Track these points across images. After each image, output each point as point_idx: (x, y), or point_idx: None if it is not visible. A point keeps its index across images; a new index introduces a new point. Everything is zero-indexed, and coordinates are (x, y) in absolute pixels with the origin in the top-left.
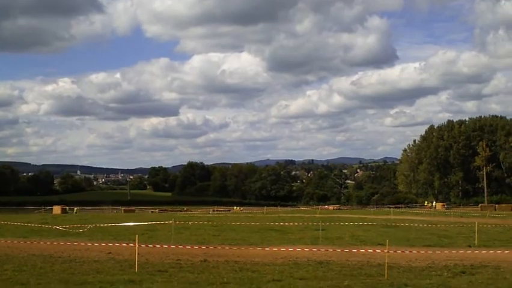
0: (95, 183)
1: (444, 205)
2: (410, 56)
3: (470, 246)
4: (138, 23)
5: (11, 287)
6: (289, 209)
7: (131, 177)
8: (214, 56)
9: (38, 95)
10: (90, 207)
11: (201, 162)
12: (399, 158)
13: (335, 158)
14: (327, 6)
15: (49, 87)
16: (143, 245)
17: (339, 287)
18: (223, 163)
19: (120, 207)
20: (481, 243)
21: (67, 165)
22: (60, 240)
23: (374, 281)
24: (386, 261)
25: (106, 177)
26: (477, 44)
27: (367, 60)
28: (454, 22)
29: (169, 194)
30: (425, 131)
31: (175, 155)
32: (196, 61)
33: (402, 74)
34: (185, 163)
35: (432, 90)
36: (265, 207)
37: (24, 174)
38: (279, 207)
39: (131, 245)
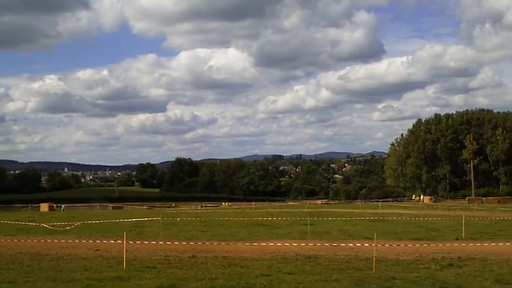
0: (82, 180)
1: (432, 198)
2: (397, 51)
3: (457, 239)
4: (125, 19)
5: None
6: (277, 204)
7: (119, 174)
8: (201, 52)
9: (24, 92)
10: (79, 204)
11: (189, 158)
12: (387, 152)
13: (323, 152)
14: (314, 1)
15: (36, 85)
16: (131, 242)
17: (327, 281)
18: (211, 159)
19: (108, 204)
20: (468, 236)
21: (54, 163)
22: (47, 238)
23: (362, 274)
24: (374, 255)
25: (93, 174)
26: (464, 37)
27: (354, 54)
28: (440, 16)
29: (157, 190)
30: (413, 125)
31: (163, 151)
32: (184, 57)
33: (390, 68)
34: (174, 159)
35: (419, 84)
36: (253, 203)
37: (11, 172)
38: (267, 203)
39: (119, 241)
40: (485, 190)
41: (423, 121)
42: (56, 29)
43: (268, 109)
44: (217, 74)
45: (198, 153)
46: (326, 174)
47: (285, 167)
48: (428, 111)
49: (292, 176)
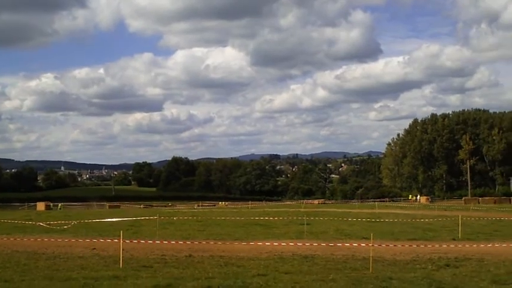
0: (79, 179)
1: (428, 198)
2: (394, 50)
3: (454, 240)
4: (121, 18)
5: None
6: (274, 203)
7: (115, 173)
8: (198, 51)
9: (21, 90)
10: (76, 203)
11: (186, 158)
12: (383, 152)
13: (320, 152)
14: (311, 1)
15: (32, 83)
16: (127, 241)
17: (324, 281)
18: (208, 158)
19: (105, 203)
20: (465, 236)
21: (50, 161)
22: (44, 237)
23: (358, 274)
24: (371, 255)
25: (90, 173)
26: (460, 37)
27: (351, 54)
28: (437, 16)
29: (154, 189)
30: (409, 125)
31: (160, 150)
32: (180, 56)
33: (386, 68)
34: (170, 158)
35: (416, 84)
36: (250, 202)
37: (8, 170)
38: (264, 202)
39: (116, 240)
40: (482, 190)
41: (419, 121)
42: (52, 28)
43: (265, 108)
44: (213, 73)
45: (195, 153)
46: (322, 174)
47: (282, 166)
48: (424, 111)
49: (288, 175)
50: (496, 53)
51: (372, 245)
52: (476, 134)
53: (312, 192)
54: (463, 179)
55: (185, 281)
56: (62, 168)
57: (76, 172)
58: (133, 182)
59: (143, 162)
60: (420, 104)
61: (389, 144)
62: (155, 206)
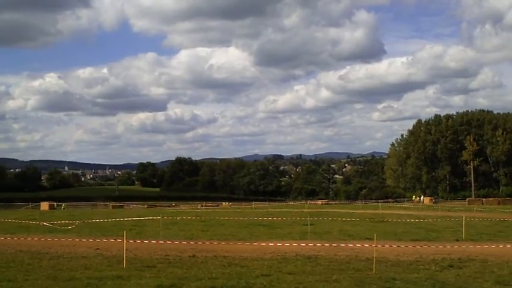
0: (83, 179)
1: (432, 199)
2: (398, 51)
3: (457, 240)
4: (125, 18)
5: None
6: (277, 204)
7: (119, 172)
8: (202, 51)
9: (24, 90)
10: (81, 203)
11: (189, 158)
12: (387, 152)
13: (323, 152)
14: (315, 1)
15: (36, 83)
16: (131, 241)
17: (327, 281)
18: (212, 158)
19: (108, 203)
20: (469, 237)
21: (54, 161)
22: (48, 237)
23: (362, 275)
24: (374, 256)
25: (93, 173)
26: (464, 38)
27: (355, 54)
28: (441, 16)
29: (157, 189)
30: (413, 126)
31: (163, 150)
32: (184, 56)
33: (390, 68)
34: (174, 158)
35: (419, 85)
36: (253, 202)
37: (12, 170)
38: (267, 203)
39: (119, 240)
40: (485, 191)
41: (423, 122)
42: (56, 27)
43: (269, 108)
44: (217, 73)
45: (198, 153)
46: (326, 175)
47: (285, 167)
48: (428, 112)
49: (292, 176)
50: (500, 54)
51: (376, 246)
52: (480, 135)
53: (315, 193)
54: (467, 179)
55: (189, 281)
56: (66, 168)
57: (79, 172)
58: (136, 182)
59: (147, 162)
60: (424, 104)
61: (392, 144)
62: (159, 206)
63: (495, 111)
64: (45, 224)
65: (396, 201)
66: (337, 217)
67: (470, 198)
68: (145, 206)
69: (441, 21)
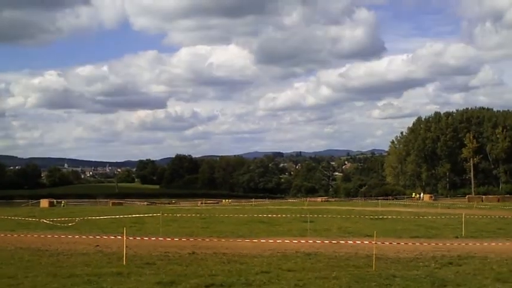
0: (82, 176)
1: (431, 197)
2: (398, 48)
3: (457, 237)
4: (125, 16)
5: None
6: (277, 201)
7: (119, 170)
8: (202, 49)
9: (24, 88)
10: (82, 200)
11: (189, 155)
12: (387, 150)
13: (323, 150)
14: None
15: (36, 80)
16: (131, 238)
17: (327, 278)
18: (211, 155)
19: (108, 200)
20: (468, 234)
21: (54, 159)
22: (47, 234)
23: (362, 272)
24: (374, 253)
25: (93, 170)
26: (464, 36)
27: (355, 52)
28: (441, 14)
29: (157, 186)
30: (413, 123)
31: (163, 147)
32: (184, 54)
33: (390, 66)
34: (174, 156)
35: (419, 82)
36: (253, 200)
37: (11, 167)
38: (267, 200)
39: (119, 237)
40: (485, 189)
41: (423, 119)
42: (56, 25)
43: (268, 106)
44: (217, 70)
45: (198, 150)
46: (325, 172)
47: (285, 164)
48: (428, 109)
49: (292, 173)
50: (500, 51)
51: (375, 243)
52: (480, 132)
53: (315, 190)
54: (467, 177)
55: (188, 278)
56: (66, 165)
57: (79, 169)
58: (136, 180)
59: (146, 159)
60: (424, 102)
61: (392, 142)
62: (159, 204)
63: (495, 109)
64: (45, 221)
65: (396, 199)
66: (337, 214)
67: (469, 196)
68: (145, 203)
69: (441, 19)
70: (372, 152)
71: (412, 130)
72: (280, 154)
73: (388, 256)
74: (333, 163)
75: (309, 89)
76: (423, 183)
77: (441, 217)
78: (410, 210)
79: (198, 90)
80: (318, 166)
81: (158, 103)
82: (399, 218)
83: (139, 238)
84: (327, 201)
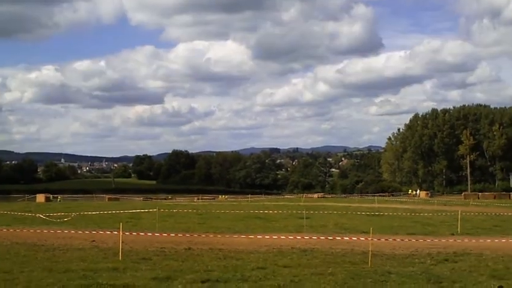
0: (79, 171)
1: (428, 193)
2: (396, 45)
3: (453, 234)
4: (123, 11)
5: None
6: (273, 197)
7: (115, 165)
8: (199, 44)
9: (21, 82)
10: (78, 196)
11: (186, 151)
12: (383, 146)
13: (320, 146)
14: None
15: (33, 75)
16: (127, 233)
17: (323, 274)
18: (208, 151)
19: (104, 195)
20: (464, 231)
21: (50, 154)
22: (44, 229)
23: (357, 268)
24: (370, 249)
25: (90, 165)
26: (462, 32)
27: (352, 48)
28: (439, 11)
29: (154, 182)
30: (410, 120)
31: (160, 143)
32: (181, 49)
33: (388, 62)
34: (170, 151)
35: (417, 79)
36: (249, 196)
37: (8, 162)
38: (263, 196)
39: (115, 233)
40: (482, 186)
41: (420, 116)
42: (53, 20)
43: (266, 102)
44: (215, 66)
45: (195, 146)
46: (322, 168)
47: (282, 160)
48: (425, 106)
49: (288, 169)
50: (498, 48)
51: (372, 239)
52: (477, 129)
53: (312, 186)
54: (463, 174)
55: (184, 274)
56: (62, 160)
57: (76, 164)
58: (133, 175)
59: (143, 155)
60: (421, 99)
61: (389, 138)
62: (155, 199)
63: (492, 106)
64: (41, 216)
65: (393, 195)
66: (333, 210)
67: (466, 193)
68: (141, 198)
69: (439, 15)
70: (369, 149)
71: (409, 127)
72: (277, 150)
73: (384, 252)
74: (330, 159)
75: (306, 85)
76: (420, 180)
77: (437, 214)
78: (406, 207)
79: (195, 86)
80: (315, 162)
81: (155, 98)
82: (395, 214)
83: (135, 233)
84: (323, 197)
